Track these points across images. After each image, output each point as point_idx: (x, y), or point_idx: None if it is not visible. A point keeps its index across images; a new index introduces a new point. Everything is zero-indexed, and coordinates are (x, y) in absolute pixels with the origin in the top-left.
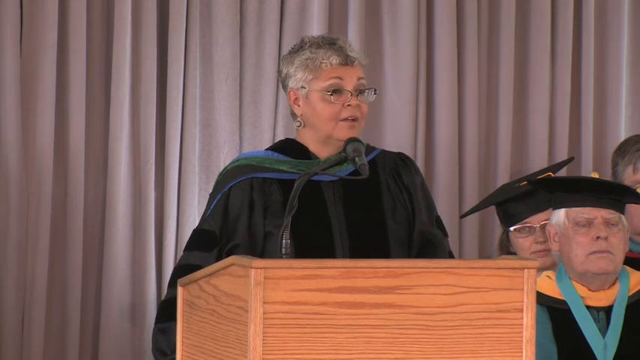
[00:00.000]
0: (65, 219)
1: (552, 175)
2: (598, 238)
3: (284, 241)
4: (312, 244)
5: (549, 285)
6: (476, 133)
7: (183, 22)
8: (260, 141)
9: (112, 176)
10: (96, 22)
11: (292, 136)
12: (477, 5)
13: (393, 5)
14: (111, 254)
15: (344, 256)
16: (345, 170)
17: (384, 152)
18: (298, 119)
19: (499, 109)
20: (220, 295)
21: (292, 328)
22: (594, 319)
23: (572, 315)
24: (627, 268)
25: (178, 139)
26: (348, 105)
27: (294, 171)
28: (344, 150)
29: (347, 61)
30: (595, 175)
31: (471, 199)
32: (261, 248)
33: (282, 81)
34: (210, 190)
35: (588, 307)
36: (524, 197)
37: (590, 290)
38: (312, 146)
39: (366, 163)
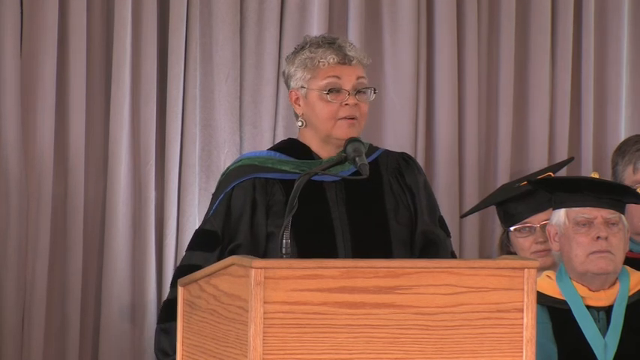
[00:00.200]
0: (65, 219)
1: (552, 175)
2: (598, 238)
3: (284, 241)
4: (314, 245)
5: (549, 285)
6: (476, 133)
7: (184, 22)
8: (260, 141)
9: (112, 176)
10: (96, 22)
11: (293, 136)
12: (477, 5)
13: (393, 5)
14: (111, 254)
15: (346, 257)
16: (347, 171)
17: (387, 152)
18: (300, 119)
19: (499, 109)
20: (220, 295)
21: (292, 328)
22: (594, 319)
23: (573, 315)
24: (627, 268)
25: (178, 140)
26: (346, 104)
27: (297, 171)
28: (344, 150)
29: (345, 60)
30: (595, 175)
31: (471, 199)
32: (263, 248)
33: (285, 81)
34: (211, 190)
35: (588, 307)
36: (524, 197)
37: (590, 290)
38: (314, 146)
39: (367, 163)
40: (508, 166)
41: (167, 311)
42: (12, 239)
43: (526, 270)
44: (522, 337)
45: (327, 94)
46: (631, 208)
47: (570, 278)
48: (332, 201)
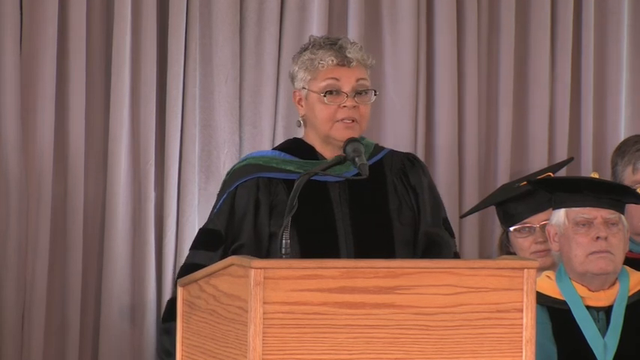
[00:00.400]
0: (65, 219)
1: (552, 175)
2: (598, 238)
3: (284, 241)
4: (316, 245)
5: (549, 285)
6: (476, 133)
7: (183, 22)
8: (260, 141)
9: (111, 176)
10: (96, 22)
11: (292, 136)
12: (477, 5)
13: (393, 5)
14: (111, 254)
15: (348, 257)
16: (350, 171)
17: (392, 152)
18: (301, 119)
19: (499, 109)
20: (220, 296)
21: (292, 328)
22: (594, 319)
23: (572, 315)
24: (627, 268)
25: (178, 140)
26: (344, 106)
27: (301, 171)
28: (343, 150)
29: (344, 61)
30: (595, 175)
31: (471, 199)
32: (266, 248)
33: (291, 81)
34: (210, 190)
35: (588, 307)
36: (524, 197)
37: (590, 290)
38: (317, 146)
39: (366, 163)
40: (508, 166)
41: (170, 311)
42: (12, 239)
43: (526, 270)
44: (522, 337)
45: (325, 96)
46: (631, 208)
47: (570, 278)
48: (335, 201)
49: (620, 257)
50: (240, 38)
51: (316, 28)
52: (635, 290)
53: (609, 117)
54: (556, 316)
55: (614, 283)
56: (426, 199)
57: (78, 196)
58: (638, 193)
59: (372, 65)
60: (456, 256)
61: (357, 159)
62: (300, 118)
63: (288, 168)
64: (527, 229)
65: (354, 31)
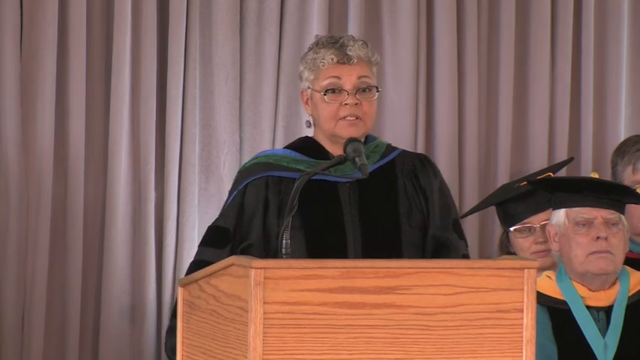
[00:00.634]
0: (65, 219)
1: (552, 175)
2: (598, 238)
3: (284, 241)
4: (324, 245)
5: (549, 285)
6: (476, 133)
7: (183, 22)
8: (260, 141)
9: (111, 176)
10: (96, 22)
11: (292, 136)
12: (477, 5)
13: (393, 5)
14: (111, 254)
15: (356, 258)
16: (357, 172)
17: (405, 153)
18: (309, 119)
19: (499, 109)
20: (220, 296)
21: (292, 328)
22: (594, 319)
23: (573, 315)
24: (627, 268)
25: (178, 140)
26: (346, 104)
27: (319, 171)
28: (344, 150)
29: (345, 59)
30: (595, 176)
31: (471, 199)
32: (274, 248)
33: (300, 82)
34: (210, 190)
35: (588, 307)
36: (524, 197)
37: (590, 290)
38: (326, 145)
39: (366, 163)
40: (508, 166)
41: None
42: (12, 240)
43: (526, 270)
44: (522, 337)
45: (325, 94)
46: (631, 208)
47: (570, 278)
48: (344, 202)
49: (620, 257)
50: (240, 38)
51: (316, 28)
52: (636, 290)
53: (609, 117)
54: (556, 316)
55: (614, 283)
56: (435, 202)
57: (78, 196)
58: (638, 193)
59: (377, 62)
60: (465, 258)
61: (357, 159)
62: (309, 118)
63: (298, 167)
64: (527, 229)
65: (354, 30)
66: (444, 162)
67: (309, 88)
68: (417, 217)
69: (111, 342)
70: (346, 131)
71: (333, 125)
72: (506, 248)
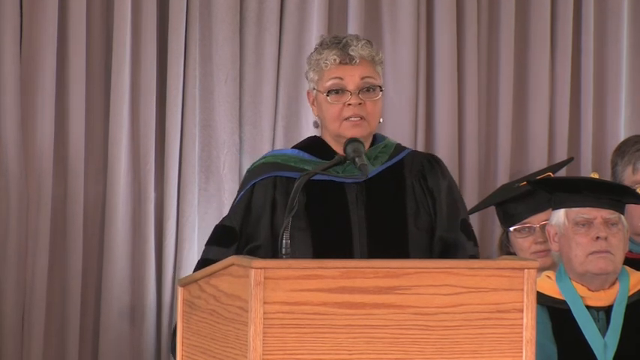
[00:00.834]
0: (65, 220)
1: (552, 175)
2: (598, 238)
3: (284, 241)
4: (330, 247)
5: (549, 285)
6: (476, 133)
7: (183, 22)
8: (260, 141)
9: (111, 177)
10: (96, 22)
11: (292, 137)
12: (477, 6)
13: (393, 5)
14: (111, 255)
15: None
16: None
17: (413, 153)
18: (316, 119)
19: (499, 109)
20: (220, 296)
21: (292, 328)
22: (594, 319)
23: (572, 315)
24: (627, 268)
25: (178, 140)
26: (349, 104)
27: (317, 171)
28: (344, 150)
29: (347, 59)
30: (595, 176)
31: (471, 199)
32: None
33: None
34: (210, 190)
35: (588, 307)
36: (523, 197)
37: (590, 290)
38: (333, 145)
39: (366, 163)
40: (508, 166)
41: None
42: (12, 240)
43: (526, 270)
44: (522, 337)
45: (328, 95)
46: (631, 208)
47: (570, 278)
48: (352, 203)
49: (620, 257)
50: (240, 38)
51: (316, 28)
52: (635, 290)
53: (609, 117)
54: (556, 315)
55: (614, 283)
56: (443, 203)
57: (78, 196)
58: (637, 193)
59: (381, 61)
60: (473, 258)
61: (357, 159)
62: (316, 119)
63: (305, 167)
64: (527, 229)
65: (353, 30)
66: (443, 162)
67: (314, 89)
68: (424, 218)
69: (111, 342)
70: (350, 132)
71: (337, 126)
72: (506, 248)
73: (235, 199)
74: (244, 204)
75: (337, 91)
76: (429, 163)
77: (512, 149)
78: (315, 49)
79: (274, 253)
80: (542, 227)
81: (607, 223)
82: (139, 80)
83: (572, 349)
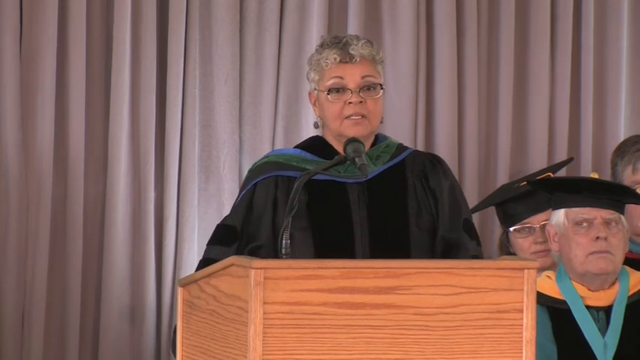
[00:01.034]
0: (65, 220)
1: (552, 175)
2: (598, 238)
3: (284, 241)
4: (332, 247)
5: (549, 285)
6: (476, 133)
7: (183, 22)
8: (260, 141)
9: (111, 177)
10: (96, 22)
11: (292, 137)
12: (477, 5)
13: (393, 5)
14: (111, 255)
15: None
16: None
17: (415, 153)
18: (317, 120)
19: (499, 109)
20: (220, 296)
21: (292, 328)
22: (594, 319)
23: (572, 315)
24: (627, 268)
25: (178, 140)
26: (350, 102)
27: (319, 171)
28: (344, 150)
29: (347, 58)
30: (594, 176)
31: (471, 199)
32: None
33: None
34: (210, 190)
35: (588, 307)
36: (523, 197)
37: (590, 290)
38: (335, 145)
39: (366, 163)
40: (508, 166)
41: None
42: (12, 240)
43: (526, 271)
44: (522, 337)
45: (329, 94)
46: (630, 208)
47: (570, 278)
48: (353, 203)
49: (619, 257)
50: (240, 38)
51: (316, 28)
52: (635, 290)
53: (609, 117)
54: (556, 315)
55: (614, 283)
56: (445, 203)
57: (78, 196)
58: (637, 193)
59: (382, 60)
60: (475, 258)
61: (357, 159)
62: (317, 120)
63: (307, 167)
64: (527, 229)
65: (353, 31)
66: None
67: (315, 89)
68: (426, 218)
69: (111, 342)
70: (351, 130)
71: (338, 124)
72: (506, 248)
73: (237, 199)
74: (246, 203)
75: (338, 89)
76: (430, 163)
77: (512, 149)
78: (316, 49)
79: (276, 252)
80: (542, 227)
81: (607, 223)
82: (139, 80)
83: (572, 349)
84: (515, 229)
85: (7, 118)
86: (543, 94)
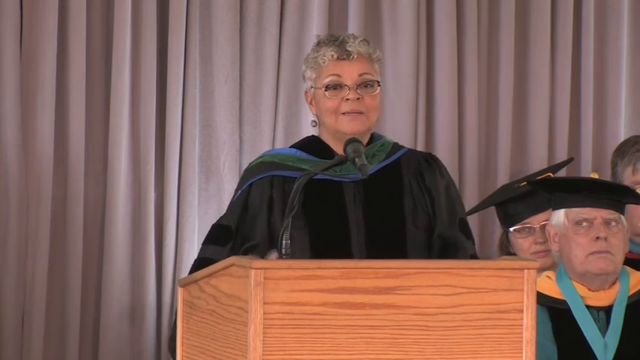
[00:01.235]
0: (65, 220)
1: (552, 175)
2: (598, 238)
3: (284, 241)
4: (328, 246)
5: (549, 285)
6: (476, 133)
7: (183, 22)
8: (260, 141)
9: (111, 177)
10: (96, 22)
11: (292, 137)
12: (477, 5)
13: (393, 5)
14: (111, 255)
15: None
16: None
17: (411, 152)
18: (314, 119)
19: (499, 109)
20: (220, 296)
21: (292, 328)
22: (594, 319)
23: (573, 315)
24: (627, 268)
25: (178, 140)
26: (347, 99)
27: (320, 171)
28: (344, 150)
29: (345, 55)
30: (595, 176)
31: (471, 200)
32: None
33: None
34: (210, 191)
35: (588, 307)
36: (523, 198)
37: (590, 290)
38: (332, 144)
39: (366, 163)
40: (508, 166)
41: None
42: (12, 241)
43: (526, 271)
44: (522, 337)
45: (326, 91)
46: (631, 208)
47: (570, 278)
48: (349, 202)
49: (620, 257)
50: (240, 38)
51: (316, 28)
52: (635, 290)
53: (609, 117)
54: (556, 316)
55: (614, 283)
56: (442, 202)
57: (78, 197)
58: (637, 193)
59: (378, 59)
60: (473, 258)
61: (357, 159)
62: (314, 118)
63: (303, 167)
64: (527, 229)
65: (354, 31)
66: (443, 162)
67: (311, 87)
68: (422, 217)
69: (111, 343)
70: (348, 126)
71: (334, 120)
72: (506, 249)
73: (232, 198)
74: (241, 203)
75: (335, 86)
76: (426, 161)
77: (512, 149)
78: (312, 48)
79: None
80: (542, 227)
81: (607, 223)
82: (139, 81)
83: (573, 349)
84: (515, 230)
85: (7, 118)
86: (543, 94)
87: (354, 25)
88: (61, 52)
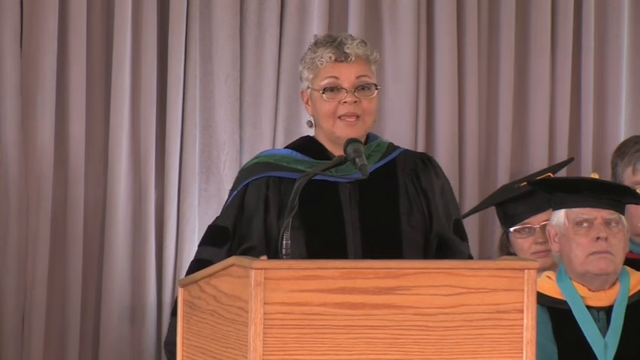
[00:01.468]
0: (65, 221)
1: (552, 175)
2: (598, 238)
3: (284, 241)
4: (324, 246)
5: (549, 285)
6: (476, 133)
7: (183, 22)
8: (260, 142)
9: (112, 177)
10: (96, 22)
11: (292, 137)
12: (477, 5)
13: (393, 5)
14: (111, 256)
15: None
16: (358, 173)
17: (406, 152)
18: (310, 119)
19: (499, 109)
20: (220, 296)
21: (292, 328)
22: (594, 319)
23: (573, 315)
24: (627, 268)
25: (178, 140)
26: (345, 102)
27: (319, 172)
28: (344, 151)
29: (342, 57)
30: (595, 176)
31: (471, 200)
32: (275, 248)
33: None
34: (210, 191)
35: (588, 307)
36: (524, 198)
37: (590, 290)
38: (327, 145)
39: (366, 163)
40: (508, 166)
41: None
42: (12, 242)
43: (526, 271)
44: (522, 338)
45: (323, 93)
46: (631, 208)
47: (570, 278)
48: (345, 202)
49: (620, 257)
50: (240, 38)
51: (316, 28)
52: (636, 290)
53: (609, 117)
54: (556, 316)
55: (614, 283)
56: (438, 202)
57: (78, 197)
58: (638, 193)
59: (376, 60)
60: (470, 259)
61: (357, 159)
62: (310, 118)
63: (298, 167)
64: (527, 229)
65: (354, 31)
66: (444, 162)
67: (308, 87)
68: (417, 217)
69: (111, 343)
70: (344, 132)
71: (331, 123)
72: (506, 249)
73: (227, 199)
74: (237, 204)
75: (333, 89)
76: (422, 162)
77: (513, 149)
78: (309, 48)
79: (267, 253)
80: (543, 228)
81: (607, 223)
82: (140, 81)
83: (573, 349)
84: (515, 230)
85: (7, 118)
86: (544, 93)
87: (354, 25)
88: (61, 52)
